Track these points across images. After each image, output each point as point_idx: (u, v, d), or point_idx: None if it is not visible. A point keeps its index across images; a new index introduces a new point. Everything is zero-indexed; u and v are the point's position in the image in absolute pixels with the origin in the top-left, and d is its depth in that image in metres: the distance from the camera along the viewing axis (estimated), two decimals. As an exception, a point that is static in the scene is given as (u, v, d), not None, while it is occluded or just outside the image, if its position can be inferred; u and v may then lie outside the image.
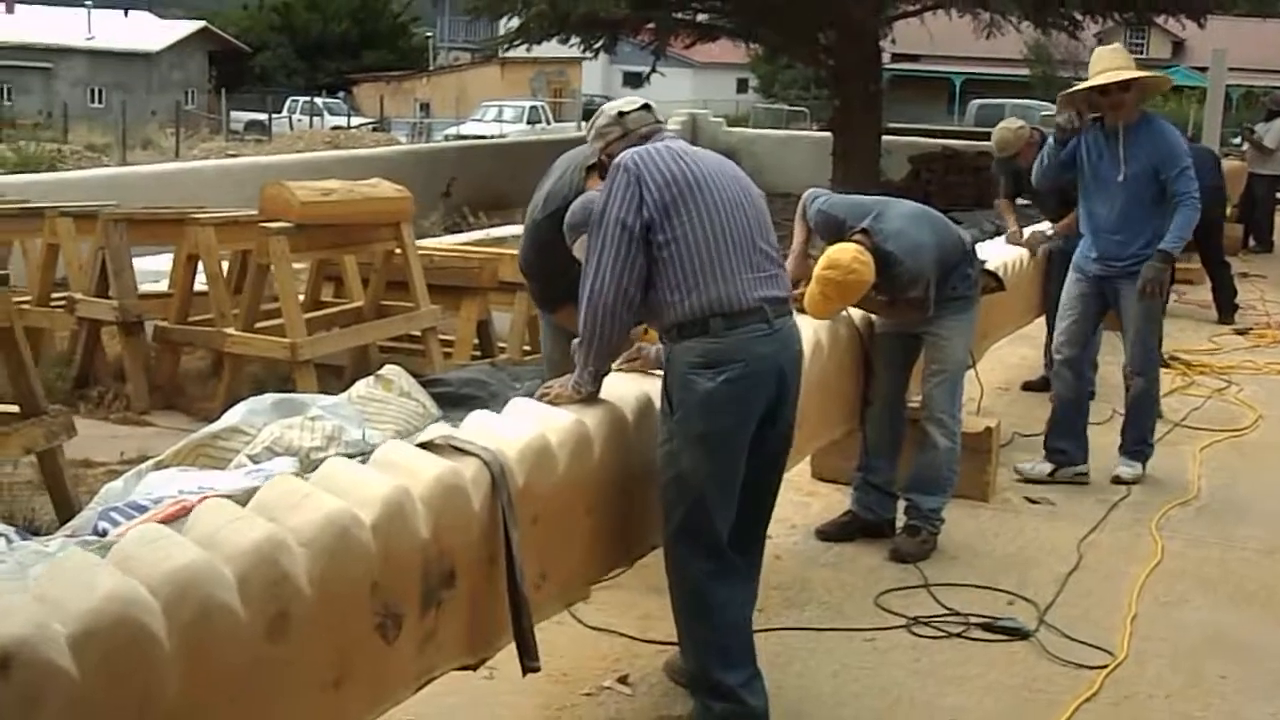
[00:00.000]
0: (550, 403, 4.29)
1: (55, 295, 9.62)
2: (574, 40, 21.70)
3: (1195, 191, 7.02)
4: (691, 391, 4.19)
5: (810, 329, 5.91)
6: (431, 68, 66.05)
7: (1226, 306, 13.27)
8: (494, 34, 24.42)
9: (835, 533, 6.46)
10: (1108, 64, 7.02)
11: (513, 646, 3.88)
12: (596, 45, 22.00)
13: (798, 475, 7.24)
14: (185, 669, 2.84)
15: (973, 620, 5.51)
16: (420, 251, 9.52)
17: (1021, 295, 9.14)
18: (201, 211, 9.59)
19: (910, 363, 6.47)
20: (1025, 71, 56.56)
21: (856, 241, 5.94)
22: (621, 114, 4.62)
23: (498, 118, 45.39)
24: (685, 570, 4.32)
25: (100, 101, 57.99)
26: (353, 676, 3.32)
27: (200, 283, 9.11)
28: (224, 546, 3.03)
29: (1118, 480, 7.45)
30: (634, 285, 4.17)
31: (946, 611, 5.60)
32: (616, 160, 4.27)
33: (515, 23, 21.73)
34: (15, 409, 6.34)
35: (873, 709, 4.74)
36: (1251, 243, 18.66)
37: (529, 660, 3.90)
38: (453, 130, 43.85)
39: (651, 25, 22.21)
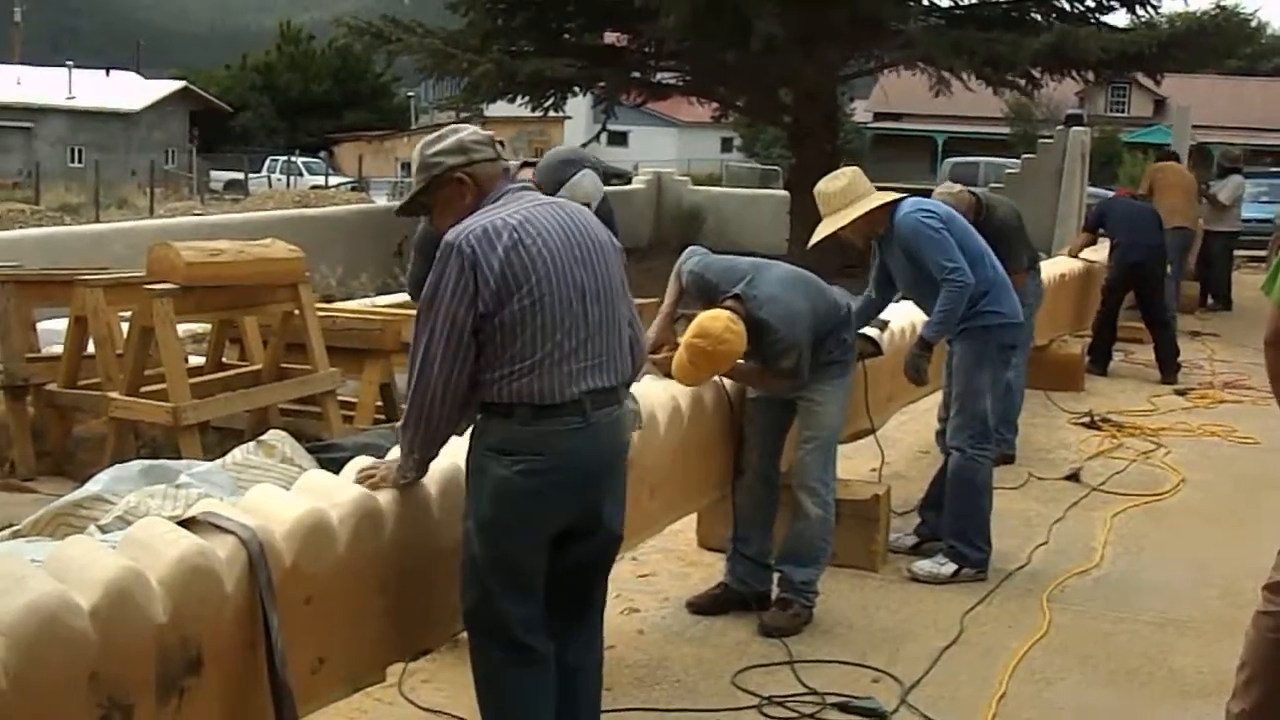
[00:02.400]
0: (372, 487, 4.04)
1: (-53, 358, 9.39)
2: (521, 100, 21.62)
3: (946, 272, 6.61)
4: (484, 475, 3.99)
5: (669, 394, 5.73)
6: (413, 127, 66.14)
7: (1169, 366, 13.10)
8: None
9: (707, 605, 6.24)
10: (825, 207, 6.72)
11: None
12: (546, 105, 21.88)
13: (682, 544, 7.06)
14: None
15: (829, 700, 5.28)
16: (322, 313, 9.30)
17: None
18: (97, 272, 9.37)
19: (784, 429, 6.26)
20: (1008, 129, 56.92)
21: (728, 308, 5.75)
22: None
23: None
24: (478, 653, 4.13)
25: (80, 161, 58.03)
26: (67, 773, 3.08)
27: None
28: (-101, 636, 2.81)
29: (910, 574, 6.90)
30: (463, 380, 3.93)
31: (805, 690, 5.37)
32: (451, 240, 3.89)
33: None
34: None
35: (697, 798, 4.50)
36: (1210, 300, 18.57)
37: (293, 749, 3.66)
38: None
39: (602, 84, 22.13)
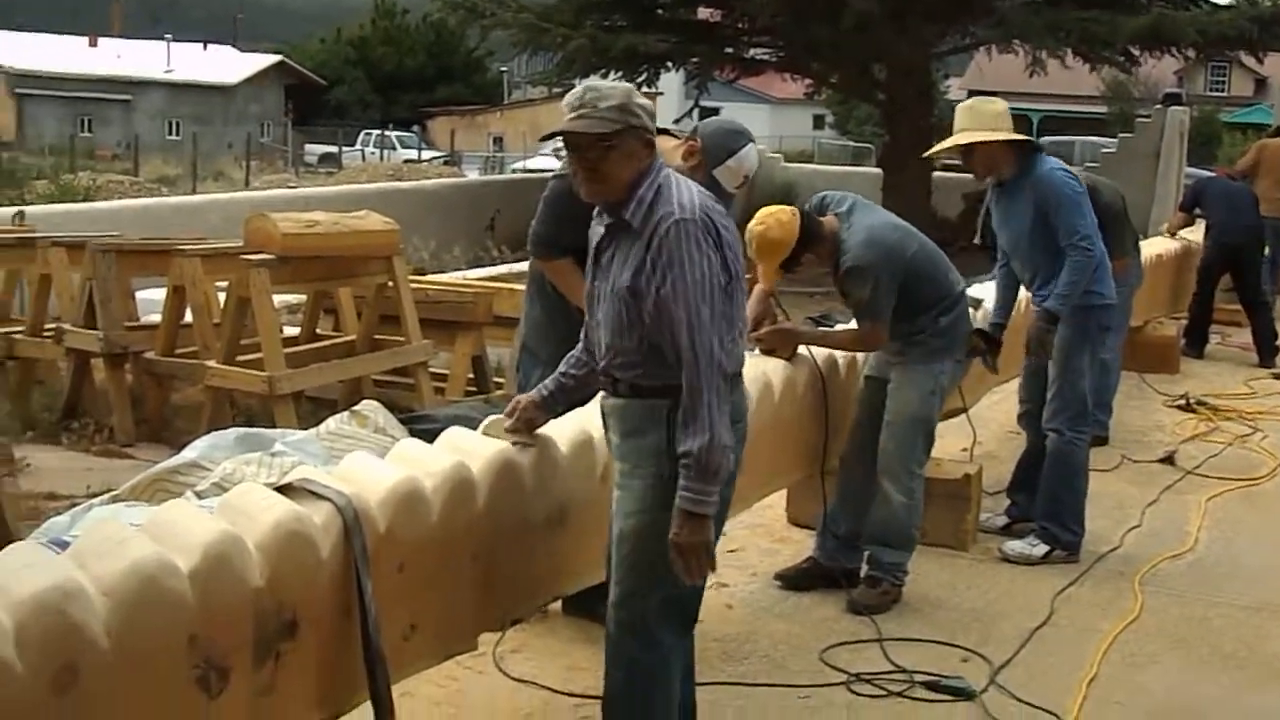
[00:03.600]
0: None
1: (48, 326, 9.56)
2: (614, 75, 21.62)
3: (1078, 239, 6.47)
4: None
5: (761, 370, 5.72)
6: (506, 102, 66.35)
7: (1267, 349, 12.87)
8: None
9: (795, 579, 6.23)
10: (956, 124, 6.62)
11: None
12: (639, 80, 21.88)
13: (771, 520, 7.05)
14: (-55, 725, 2.68)
15: (918, 679, 5.25)
16: (415, 285, 9.39)
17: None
18: (194, 243, 9.50)
19: (880, 409, 6.17)
20: (1104, 108, 56.18)
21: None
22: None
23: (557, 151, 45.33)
24: (654, 649, 3.96)
25: (177, 133, 58.73)
26: (165, 733, 3.14)
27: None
28: (6, 594, 2.87)
29: (1002, 554, 6.83)
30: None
31: (893, 668, 5.34)
32: (689, 215, 3.71)
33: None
34: (-46, 441, 6.26)
35: (784, 772, 4.50)
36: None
37: (384, 717, 3.69)
38: (520, 164, 43.91)
39: (695, 59, 22.11)
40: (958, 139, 6.53)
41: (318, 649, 3.54)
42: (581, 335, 4.20)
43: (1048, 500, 6.80)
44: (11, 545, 3.24)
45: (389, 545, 3.73)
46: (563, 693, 4.98)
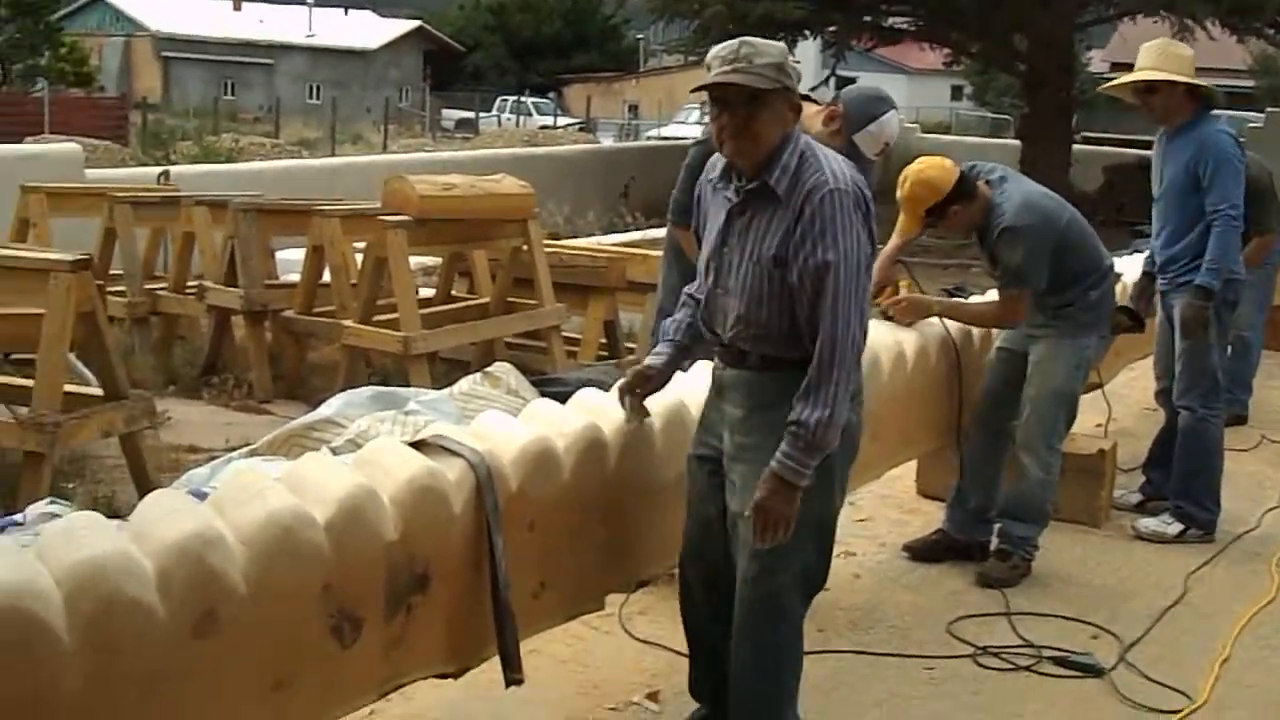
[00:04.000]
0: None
1: (191, 283, 9.75)
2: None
3: (1227, 207, 6.30)
4: (848, 425, 3.82)
5: (894, 339, 5.70)
6: (642, 69, 66.36)
7: None
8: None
9: (924, 550, 6.20)
10: (1141, 62, 6.50)
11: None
12: (776, 47, 21.74)
13: (901, 491, 7.02)
14: (90, 663, 2.76)
15: (1045, 654, 5.20)
16: (549, 249, 9.43)
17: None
18: (334, 203, 9.64)
19: (1017, 383, 6.09)
20: (1251, 83, 54.81)
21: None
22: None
23: (700, 120, 45.34)
24: (787, 622, 3.94)
25: (317, 97, 59.46)
26: (299, 679, 3.21)
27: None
28: (150, 539, 2.95)
29: (1135, 531, 6.72)
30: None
31: (1020, 643, 5.30)
32: (842, 186, 3.68)
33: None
34: (99, 392, 6.42)
35: (908, 742, 4.49)
36: None
37: (511, 673, 3.76)
38: (655, 132, 43.94)
39: (833, 27, 21.94)
40: (1148, 74, 6.42)
41: (448, 603, 3.60)
42: (686, 300, 4.19)
43: (1182, 478, 6.69)
44: (154, 492, 3.33)
45: (520, 503, 3.77)
46: (687, 655, 4.99)
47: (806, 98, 5.08)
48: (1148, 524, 6.67)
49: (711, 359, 4.12)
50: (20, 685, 2.66)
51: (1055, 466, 5.98)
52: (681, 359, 4.23)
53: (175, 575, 2.91)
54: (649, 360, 4.23)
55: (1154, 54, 6.46)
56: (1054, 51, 21.14)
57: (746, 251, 3.78)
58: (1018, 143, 22.57)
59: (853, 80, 26.66)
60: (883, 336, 5.67)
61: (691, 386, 4.42)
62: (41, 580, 2.73)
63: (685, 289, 4.24)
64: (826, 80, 25.44)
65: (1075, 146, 21.96)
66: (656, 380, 4.17)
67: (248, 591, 3.03)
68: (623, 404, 4.15)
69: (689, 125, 43.99)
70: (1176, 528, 6.63)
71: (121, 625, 2.80)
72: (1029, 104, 22.24)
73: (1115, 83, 6.70)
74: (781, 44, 3.82)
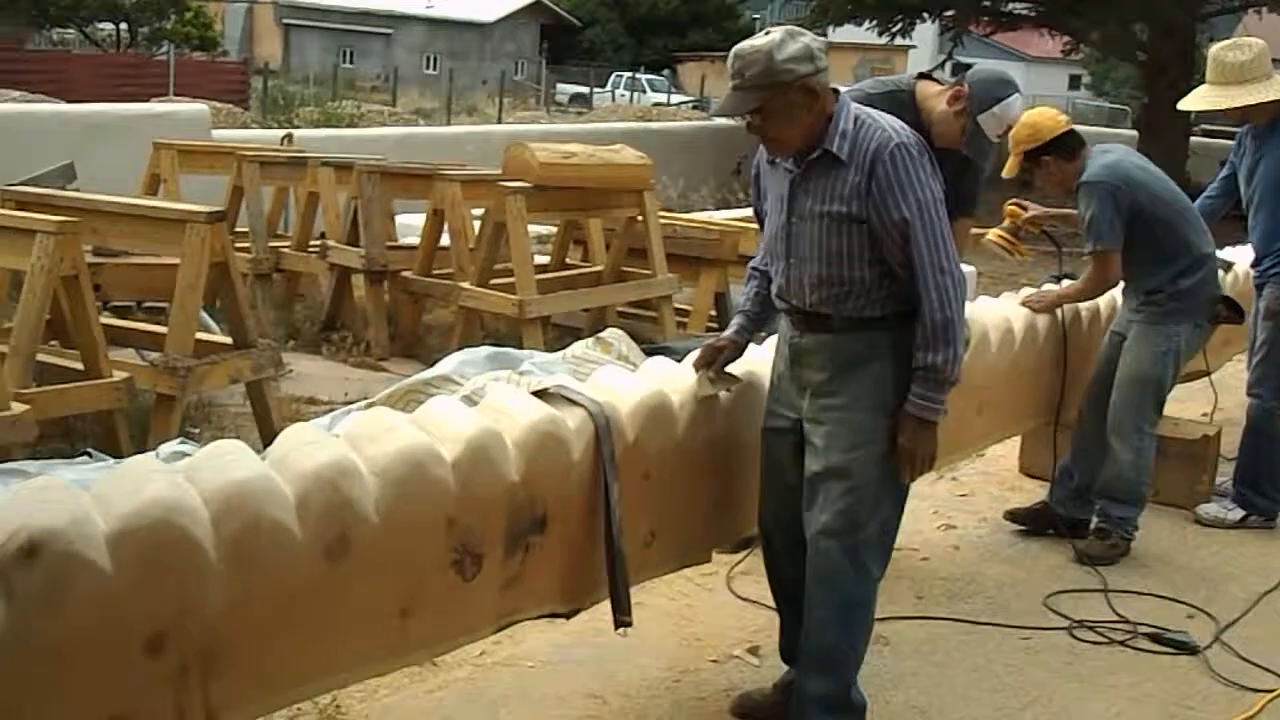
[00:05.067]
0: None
1: (313, 241, 10.02)
2: (869, 25, 21.50)
3: None
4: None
5: (1003, 315, 5.80)
6: (756, 49, 66.07)
7: None
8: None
9: (1024, 518, 6.29)
10: (1219, 76, 6.38)
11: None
12: (893, 30, 21.72)
13: (1003, 469, 7.09)
14: (233, 580, 2.94)
15: (1141, 630, 5.27)
16: (663, 221, 9.58)
17: None
18: (455, 168, 9.84)
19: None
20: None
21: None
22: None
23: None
24: (867, 580, 4.00)
25: (434, 68, 59.85)
26: (423, 608, 3.38)
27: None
28: (290, 467, 3.13)
29: (1196, 516, 6.68)
30: None
31: (1116, 618, 5.38)
32: (908, 143, 3.79)
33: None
34: (229, 340, 6.66)
35: (1002, 707, 4.58)
36: None
37: (621, 615, 3.90)
38: (767, 112, 43.74)
39: (950, 11, 21.84)
40: (1209, 104, 6.42)
41: (564, 545, 3.76)
42: (753, 273, 4.30)
43: (1246, 465, 6.69)
44: (292, 426, 3.52)
45: (636, 454, 3.92)
46: (785, 617, 5.13)
47: (928, 76, 5.18)
48: (1208, 509, 6.69)
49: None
50: (171, 598, 2.84)
51: (1146, 450, 6.01)
52: (755, 329, 4.33)
53: (312, 501, 3.09)
54: (725, 333, 4.36)
55: (1222, 69, 6.38)
56: (1175, 41, 20.92)
57: (817, 216, 3.86)
58: (1134, 133, 22.36)
59: (968, 67, 26.58)
60: (992, 313, 5.77)
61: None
62: (191, 499, 2.91)
63: (750, 263, 4.38)
64: (942, 65, 25.36)
65: (1193, 139, 21.73)
66: (730, 350, 4.28)
67: (378, 521, 3.21)
68: (699, 377, 4.22)
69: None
70: (1238, 514, 6.65)
71: (263, 545, 2.99)
72: (1148, 94, 22.02)
73: (1189, 107, 6.65)
74: (772, 36, 3.82)
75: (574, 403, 3.83)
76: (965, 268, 6.08)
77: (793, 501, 4.08)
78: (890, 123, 3.84)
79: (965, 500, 6.69)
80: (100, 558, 2.72)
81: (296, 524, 3.06)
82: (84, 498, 2.84)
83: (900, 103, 5.02)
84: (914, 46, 41.24)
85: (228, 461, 3.09)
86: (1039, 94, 57.54)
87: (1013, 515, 6.31)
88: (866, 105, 4.91)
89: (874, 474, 3.90)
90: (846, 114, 3.84)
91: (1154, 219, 5.84)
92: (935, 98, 5.00)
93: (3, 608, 2.60)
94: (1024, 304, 6.07)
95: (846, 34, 27.23)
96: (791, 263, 3.97)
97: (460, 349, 6.19)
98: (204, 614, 2.90)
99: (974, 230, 5.81)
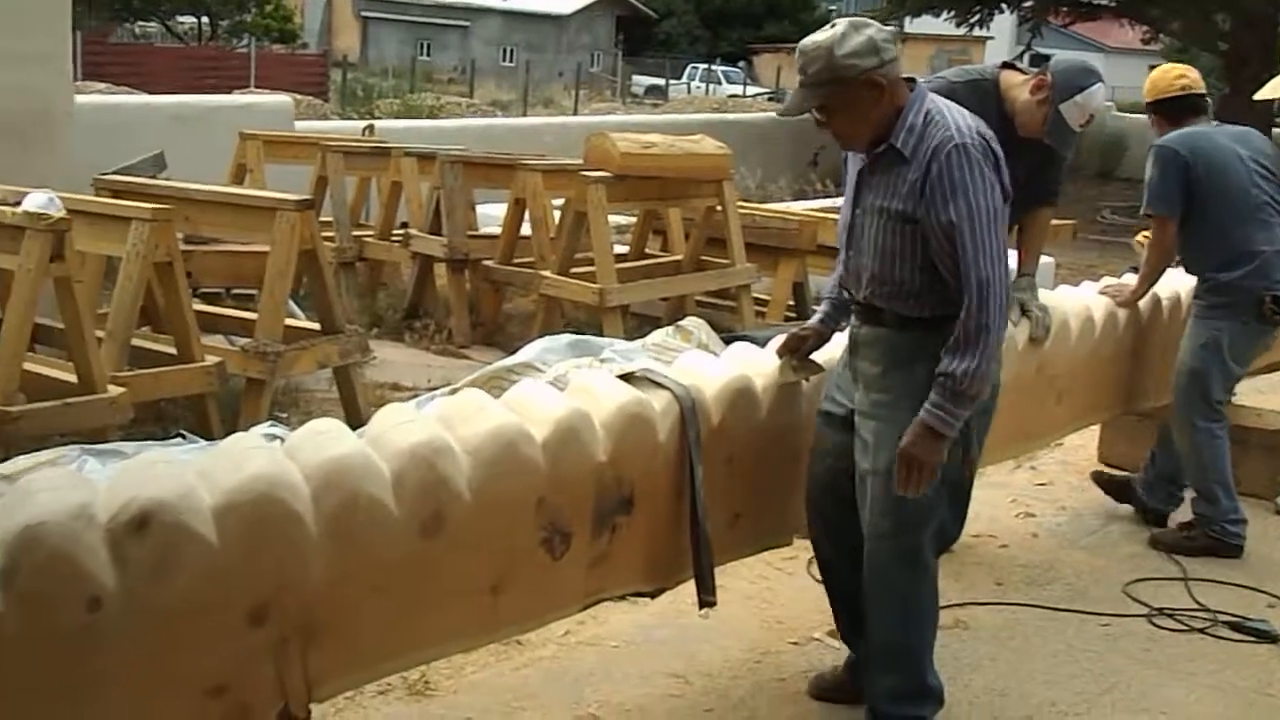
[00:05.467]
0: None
1: (396, 231, 10.15)
2: (946, 15, 21.42)
3: None
4: (993, 376, 3.90)
5: (1083, 303, 5.81)
6: (833, 41, 65.89)
7: None
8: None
9: (1108, 484, 6.38)
10: None
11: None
12: (971, 20, 21.63)
13: (1083, 459, 7.09)
14: (332, 554, 3.04)
15: (1221, 618, 5.28)
16: (742, 211, 9.63)
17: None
18: (536, 158, 9.94)
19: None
20: None
21: None
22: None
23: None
24: (923, 576, 4.00)
25: (510, 60, 60.10)
26: (513, 585, 3.47)
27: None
28: (386, 445, 3.23)
29: (1276, 507, 6.62)
30: None
31: (1196, 607, 5.39)
32: (969, 144, 3.69)
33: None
34: (316, 326, 6.78)
35: (1082, 692, 4.61)
36: None
37: (705, 595, 3.97)
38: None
39: (1029, 2, 21.72)
40: None
41: (649, 525, 3.83)
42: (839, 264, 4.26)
43: None
44: (386, 406, 3.62)
45: (720, 437, 3.99)
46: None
47: (1011, 66, 5.21)
48: None
49: None
50: (273, 570, 2.94)
51: (1201, 444, 5.94)
52: (840, 317, 4.29)
53: (408, 478, 3.18)
54: (809, 321, 4.38)
55: None
56: (1259, 32, 20.71)
57: (877, 211, 3.82)
58: (1215, 124, 22.16)
59: (1047, 58, 26.45)
60: (1072, 301, 5.79)
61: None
62: (292, 475, 3.01)
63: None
64: (1020, 56, 25.23)
65: (1276, 130, 21.49)
66: (814, 339, 4.27)
67: (471, 499, 3.30)
68: (782, 364, 4.25)
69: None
70: None
71: (361, 521, 3.08)
72: (1229, 85, 21.81)
73: (1268, 95, 6.61)
74: (834, 32, 3.77)
75: (660, 386, 3.90)
76: (1044, 259, 6.12)
77: (831, 489, 4.09)
78: (959, 120, 3.76)
79: (1044, 489, 6.71)
80: (207, 530, 2.82)
81: (393, 500, 3.15)
82: (190, 473, 2.95)
83: (984, 92, 5.06)
84: (991, 38, 40.99)
85: (326, 439, 3.19)
86: (1117, 85, 57.10)
87: (1098, 476, 6.42)
88: (949, 94, 4.93)
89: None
90: (918, 107, 3.77)
91: (1206, 202, 5.81)
92: (1018, 87, 5.03)
93: (115, 576, 2.70)
94: (1103, 293, 6.08)
95: (923, 25, 27.13)
96: (852, 254, 3.98)
97: (541, 337, 6.28)
98: (304, 587, 3.00)
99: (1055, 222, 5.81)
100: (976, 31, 23.59)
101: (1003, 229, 3.76)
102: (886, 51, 3.74)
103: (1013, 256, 5.70)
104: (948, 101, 3.88)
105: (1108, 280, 6.32)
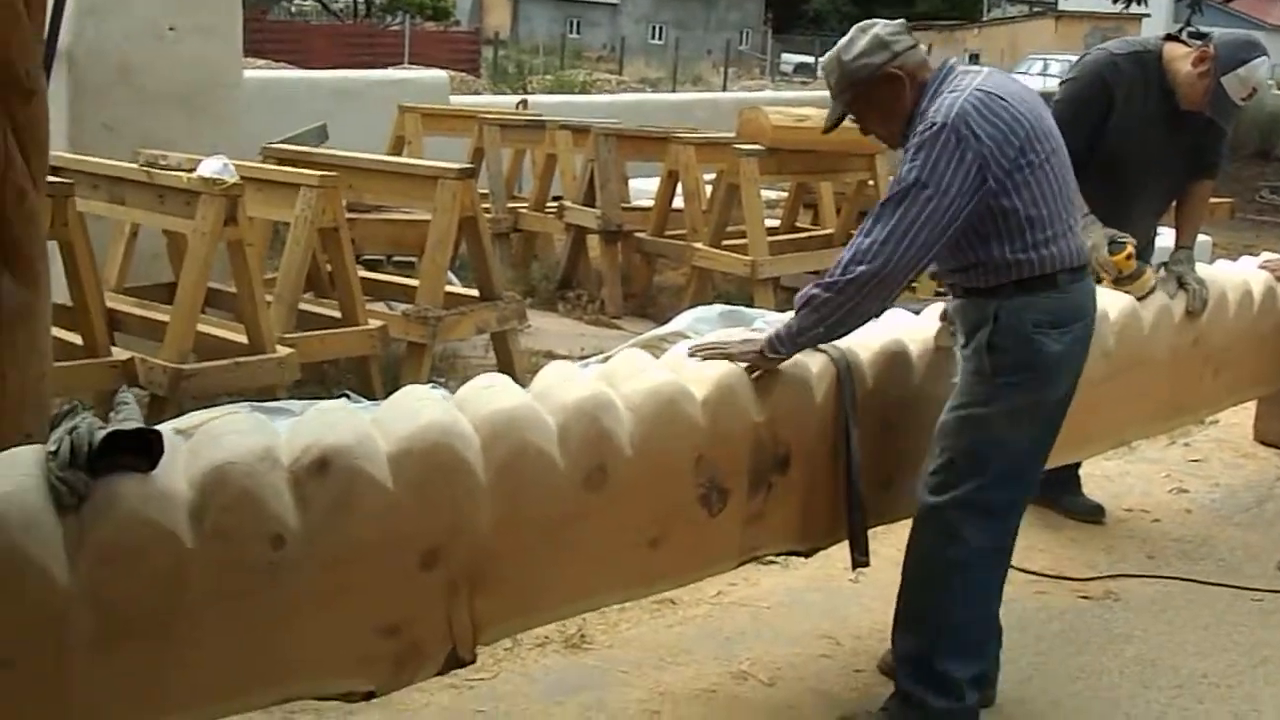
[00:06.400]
0: (711, 356, 3.79)
1: (550, 202, 10.29)
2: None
3: None
4: (1034, 353, 3.73)
5: (1242, 277, 5.78)
6: (984, 19, 65.22)
7: None
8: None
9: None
10: None
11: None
12: (1129, -2, 21.33)
13: (1237, 436, 7.03)
14: (500, 503, 3.15)
15: (1380, 595, 5.23)
16: (894, 185, 9.63)
17: None
18: (689, 131, 10.02)
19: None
20: None
21: None
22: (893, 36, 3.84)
23: (1043, 71, 44.42)
24: (953, 543, 3.82)
25: (660, 38, 60.23)
26: (671, 539, 3.56)
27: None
28: (552, 399, 3.34)
29: None
30: (923, 267, 3.69)
31: (1354, 584, 5.34)
32: (940, 121, 3.56)
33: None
34: (475, 293, 6.93)
35: (1233, 664, 4.59)
36: None
37: (859, 554, 4.03)
38: (995, 82, 43.09)
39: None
40: None
41: (804, 486, 3.90)
42: None
43: None
44: (551, 363, 3.73)
45: (875, 400, 4.04)
46: (1018, 569, 5.18)
47: (1174, 38, 5.18)
48: None
49: None
50: (444, 516, 3.06)
51: None
52: None
53: (573, 431, 3.29)
54: None
55: None
56: None
57: None
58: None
59: (1203, 36, 25.97)
60: (1231, 275, 5.76)
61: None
62: (463, 425, 3.13)
63: None
64: (1179, 33, 24.74)
65: None
66: None
67: (632, 453, 3.39)
68: (941, 328, 4.28)
69: (1031, 76, 43.12)
70: None
71: (528, 471, 3.19)
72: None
73: None
74: (846, 38, 3.82)
75: (816, 349, 3.96)
76: (1200, 237, 6.08)
77: None
78: (949, 102, 3.62)
79: (1198, 465, 6.65)
80: (382, 475, 2.95)
81: (558, 452, 3.26)
82: (366, 421, 3.08)
83: (1146, 64, 5.05)
84: (1148, 14, 40.19)
85: (494, 392, 3.31)
86: (1277, 63, 55.79)
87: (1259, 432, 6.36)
88: (1111, 66, 4.95)
89: (968, 439, 3.79)
90: (933, 93, 3.71)
91: None
92: (1181, 59, 5.02)
93: (297, 516, 2.84)
94: (1263, 267, 6.03)
95: (1078, 1, 26.70)
96: None
97: (692, 308, 6.37)
98: (473, 533, 3.11)
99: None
100: (1133, 8, 23.25)
101: (938, 211, 3.55)
102: (897, 43, 3.77)
103: (1169, 233, 5.72)
104: (964, 79, 3.74)
105: (1268, 255, 6.26)
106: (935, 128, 3.57)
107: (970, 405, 3.79)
